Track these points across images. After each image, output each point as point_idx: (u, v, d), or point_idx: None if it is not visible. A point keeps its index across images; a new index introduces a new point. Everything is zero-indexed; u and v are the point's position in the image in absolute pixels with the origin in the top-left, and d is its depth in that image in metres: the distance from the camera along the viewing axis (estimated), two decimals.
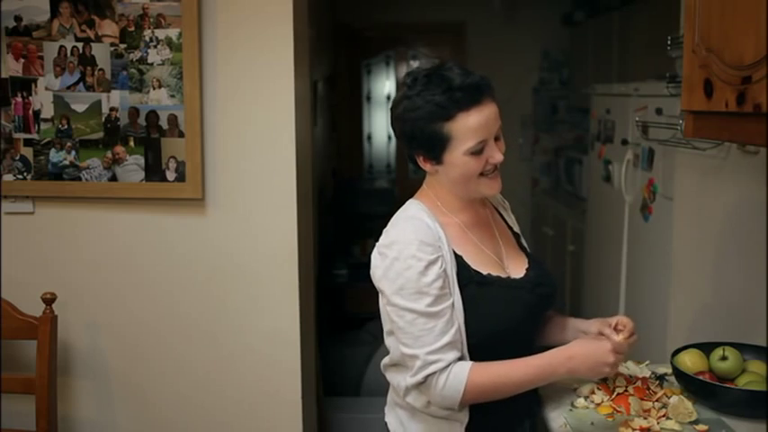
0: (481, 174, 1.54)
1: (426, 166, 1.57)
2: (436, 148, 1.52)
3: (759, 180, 1.91)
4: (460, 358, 1.49)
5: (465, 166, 1.52)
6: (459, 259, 1.53)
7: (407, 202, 1.63)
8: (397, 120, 1.56)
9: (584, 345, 1.52)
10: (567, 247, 4.38)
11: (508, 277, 1.58)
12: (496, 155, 1.52)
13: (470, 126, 1.49)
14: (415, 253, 1.46)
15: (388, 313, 1.52)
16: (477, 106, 1.49)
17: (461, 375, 1.46)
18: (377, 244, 1.55)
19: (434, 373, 1.46)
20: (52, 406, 2.24)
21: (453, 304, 1.49)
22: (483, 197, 1.63)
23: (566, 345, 1.53)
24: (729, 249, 2.12)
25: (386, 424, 1.70)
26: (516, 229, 1.75)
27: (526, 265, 1.64)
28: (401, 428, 1.64)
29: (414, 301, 1.46)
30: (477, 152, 1.51)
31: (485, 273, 1.55)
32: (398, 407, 1.65)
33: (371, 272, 1.55)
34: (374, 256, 1.55)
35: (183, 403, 2.51)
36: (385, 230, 1.56)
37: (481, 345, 1.51)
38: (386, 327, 1.61)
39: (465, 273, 1.52)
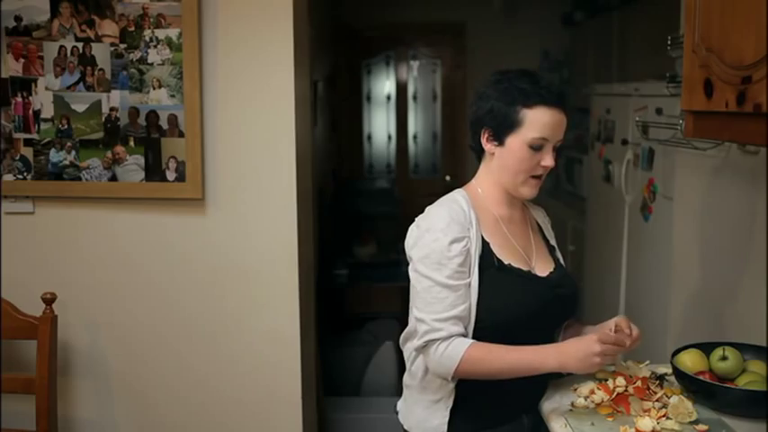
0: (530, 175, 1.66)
1: (488, 146, 1.69)
2: (505, 127, 1.64)
3: (759, 180, 1.91)
4: (464, 336, 1.58)
5: (520, 155, 1.63)
6: (485, 245, 1.64)
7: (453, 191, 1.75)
8: (480, 97, 1.69)
9: (573, 340, 1.60)
10: (567, 247, 4.37)
11: (529, 272, 1.69)
12: (548, 159, 1.64)
13: (542, 120, 1.61)
14: (444, 228, 1.60)
15: (411, 279, 1.65)
16: (555, 108, 1.62)
17: (460, 348, 1.56)
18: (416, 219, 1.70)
19: (436, 340, 1.57)
20: (52, 406, 2.24)
21: (470, 284, 1.60)
22: (521, 198, 1.72)
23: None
24: (729, 249, 2.12)
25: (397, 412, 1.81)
26: (553, 242, 1.83)
27: (552, 268, 1.73)
28: (404, 405, 1.77)
29: (434, 270, 1.58)
30: (535, 148, 1.63)
31: (506, 262, 1.65)
32: (407, 387, 1.76)
33: (406, 241, 1.69)
34: (411, 228, 1.68)
35: (183, 403, 2.51)
36: (425, 210, 1.70)
37: (494, 329, 1.59)
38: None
39: (488, 257, 1.63)
